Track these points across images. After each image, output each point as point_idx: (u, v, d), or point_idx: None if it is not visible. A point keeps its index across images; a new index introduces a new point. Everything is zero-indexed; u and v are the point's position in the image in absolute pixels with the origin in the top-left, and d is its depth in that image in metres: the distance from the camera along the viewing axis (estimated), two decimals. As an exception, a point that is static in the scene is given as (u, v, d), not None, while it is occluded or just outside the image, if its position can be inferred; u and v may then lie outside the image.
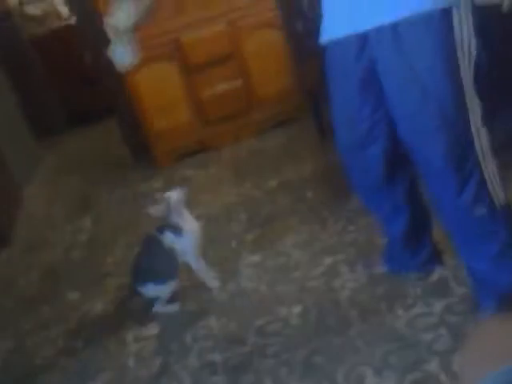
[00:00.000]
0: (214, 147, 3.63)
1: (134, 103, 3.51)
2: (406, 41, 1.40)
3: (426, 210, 1.81)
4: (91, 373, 1.94)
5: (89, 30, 3.50)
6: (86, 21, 3.53)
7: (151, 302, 2.12)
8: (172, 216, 2.07)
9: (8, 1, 5.17)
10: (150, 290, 2.09)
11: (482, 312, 1.59)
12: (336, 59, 1.59)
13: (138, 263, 2.14)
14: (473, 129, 1.44)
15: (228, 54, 3.49)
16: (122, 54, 1.79)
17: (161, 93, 3.48)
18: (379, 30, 1.42)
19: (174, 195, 2.07)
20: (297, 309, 1.92)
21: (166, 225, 2.09)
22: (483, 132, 1.45)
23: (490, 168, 1.47)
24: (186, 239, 2.09)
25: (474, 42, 1.40)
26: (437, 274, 1.87)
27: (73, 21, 4.31)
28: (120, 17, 1.73)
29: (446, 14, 1.37)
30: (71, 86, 5.12)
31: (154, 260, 2.10)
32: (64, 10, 5.15)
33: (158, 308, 2.12)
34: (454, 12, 1.37)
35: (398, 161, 1.67)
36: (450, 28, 1.38)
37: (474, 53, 1.41)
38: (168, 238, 2.08)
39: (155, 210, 2.06)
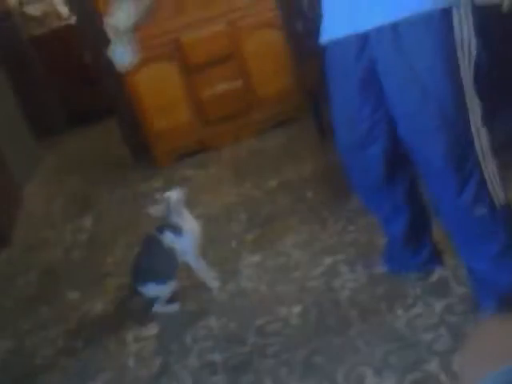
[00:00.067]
0: (213, 147, 3.63)
1: (133, 103, 3.51)
2: (406, 41, 1.40)
3: (425, 210, 1.81)
4: (91, 373, 1.94)
5: (89, 30, 3.50)
6: (86, 21, 3.53)
7: (151, 301, 2.12)
8: (172, 216, 2.07)
9: (8, 1, 5.17)
10: (150, 289, 2.09)
11: (482, 312, 1.59)
12: (336, 59, 1.59)
13: (137, 263, 2.14)
14: (473, 129, 1.44)
15: (228, 54, 3.49)
16: (122, 54, 1.79)
17: (161, 93, 3.49)
18: (379, 30, 1.42)
19: (174, 195, 2.07)
20: (297, 309, 1.92)
21: (166, 225, 2.09)
22: (483, 132, 1.45)
23: (490, 168, 1.47)
24: (186, 239, 2.09)
25: (474, 41, 1.40)
26: (437, 274, 1.87)
27: (73, 21, 4.31)
28: (120, 17, 1.74)
29: (446, 13, 1.37)
30: (71, 86, 5.12)
31: (153, 260, 2.10)
32: (64, 10, 5.14)
33: (158, 308, 2.12)
34: (454, 12, 1.37)
35: (398, 161, 1.67)
36: (450, 28, 1.38)
37: (474, 53, 1.41)
38: (168, 237, 2.08)
39: (155, 210, 2.06)
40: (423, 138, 1.47)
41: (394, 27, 1.39)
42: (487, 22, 1.44)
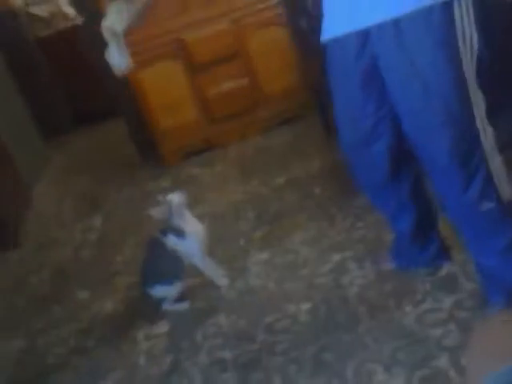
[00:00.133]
0: (220, 145, 3.64)
1: (139, 102, 3.52)
2: (407, 36, 1.39)
3: (432, 206, 1.81)
4: (102, 372, 1.96)
5: (95, 30, 3.51)
6: (92, 21, 3.54)
7: (160, 301, 2.14)
8: (174, 219, 2.08)
9: (14, 2, 5.19)
10: (158, 291, 2.11)
11: (491, 307, 1.59)
12: (337, 57, 1.59)
13: (144, 266, 2.15)
14: (478, 123, 1.43)
15: (233, 52, 3.49)
16: (119, 58, 1.79)
17: (166, 92, 3.49)
18: (381, 27, 1.41)
19: (175, 198, 2.07)
20: (305, 306, 1.93)
21: (169, 227, 2.09)
22: (488, 126, 1.45)
23: (496, 162, 1.47)
24: (189, 242, 2.09)
25: (475, 35, 1.39)
26: (445, 269, 1.87)
27: (79, 21, 4.32)
28: (114, 19, 1.74)
29: (447, 6, 1.36)
30: (78, 86, 5.14)
31: (159, 262, 2.11)
32: (70, 11, 5.16)
33: (168, 306, 2.14)
34: (455, 5, 1.36)
35: (403, 157, 1.66)
36: (452, 21, 1.37)
37: (475, 46, 1.40)
38: (171, 240, 2.09)
39: (156, 212, 2.06)
40: (428, 134, 1.47)
41: (396, 23, 1.38)
42: (488, 14, 1.43)
